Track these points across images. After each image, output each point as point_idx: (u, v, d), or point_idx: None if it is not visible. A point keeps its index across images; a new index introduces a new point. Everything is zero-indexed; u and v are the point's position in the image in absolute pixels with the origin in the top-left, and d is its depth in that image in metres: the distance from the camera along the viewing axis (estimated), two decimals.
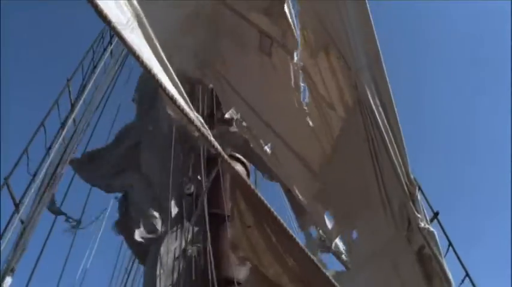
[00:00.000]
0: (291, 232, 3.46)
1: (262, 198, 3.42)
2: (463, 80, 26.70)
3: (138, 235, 5.86)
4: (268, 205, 3.42)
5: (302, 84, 6.58)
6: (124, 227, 6.12)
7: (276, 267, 3.66)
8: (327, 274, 3.49)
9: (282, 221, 3.39)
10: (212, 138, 3.34)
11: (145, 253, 6.20)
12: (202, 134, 3.31)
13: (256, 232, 3.53)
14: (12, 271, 4.44)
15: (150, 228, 5.84)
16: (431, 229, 4.95)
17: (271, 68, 6.57)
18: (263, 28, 6.58)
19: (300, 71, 6.56)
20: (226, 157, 3.38)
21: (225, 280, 4.66)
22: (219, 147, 3.35)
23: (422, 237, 4.83)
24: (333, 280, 3.52)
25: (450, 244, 4.90)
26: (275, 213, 3.40)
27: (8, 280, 4.44)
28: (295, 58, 6.57)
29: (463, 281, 4.72)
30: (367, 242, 5.22)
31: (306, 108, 6.43)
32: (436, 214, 5.15)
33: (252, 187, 3.50)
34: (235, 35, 6.91)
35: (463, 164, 27.09)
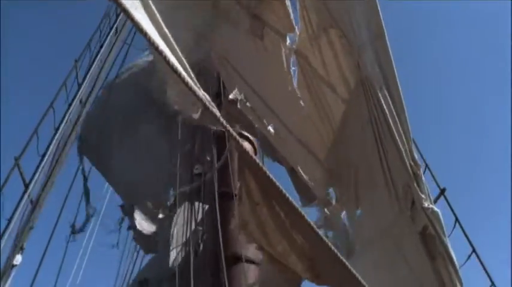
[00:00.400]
0: (300, 209, 3.45)
1: (271, 176, 3.41)
2: (472, 56, 26.50)
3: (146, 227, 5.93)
4: (277, 183, 3.41)
5: (293, 68, 6.56)
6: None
7: (284, 245, 3.66)
8: (336, 251, 3.49)
9: (290, 198, 3.38)
10: (219, 115, 3.31)
11: (152, 244, 6.26)
12: (211, 112, 3.28)
13: (265, 209, 3.52)
14: (21, 248, 4.50)
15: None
16: (436, 209, 4.98)
17: (264, 51, 6.56)
18: (254, 11, 6.55)
19: (294, 55, 6.52)
20: (235, 134, 3.36)
21: (233, 257, 4.69)
22: (227, 125, 3.33)
23: (426, 217, 4.86)
24: (342, 258, 3.53)
25: (457, 220, 4.93)
26: (284, 190, 3.39)
27: (18, 257, 4.52)
28: (288, 41, 6.54)
29: (469, 257, 4.76)
30: (371, 222, 5.24)
31: (298, 92, 6.41)
32: (442, 191, 5.17)
33: (261, 164, 3.49)
34: (229, 17, 6.88)
35: (472, 142, 27.06)
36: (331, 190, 6.10)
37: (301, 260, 3.67)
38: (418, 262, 4.78)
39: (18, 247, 4.42)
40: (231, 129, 3.35)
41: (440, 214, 4.89)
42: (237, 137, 3.38)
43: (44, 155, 5.00)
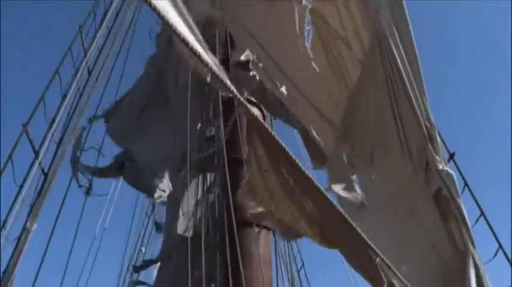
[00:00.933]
0: (309, 174, 3.43)
1: (280, 141, 3.37)
2: (487, 21, 25.57)
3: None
4: (286, 148, 3.38)
5: (308, 27, 6.36)
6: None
7: (293, 211, 3.67)
8: (347, 216, 3.49)
9: (299, 163, 3.35)
10: (228, 81, 3.25)
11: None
12: (217, 77, 3.21)
13: (273, 176, 3.51)
14: (36, 215, 4.60)
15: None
16: (450, 171, 4.92)
17: (275, 11, 6.36)
18: None
19: (309, 14, 6.32)
20: (242, 99, 3.30)
21: (244, 222, 4.75)
22: (234, 89, 3.27)
23: (440, 179, 4.81)
24: (353, 223, 3.53)
25: (466, 184, 4.87)
26: (293, 156, 3.36)
27: (34, 225, 4.64)
28: (303, 1, 6.32)
29: (477, 220, 4.73)
30: (385, 185, 5.21)
31: (311, 53, 6.25)
32: (452, 155, 5.10)
33: (269, 129, 3.45)
34: None
35: (482, 107, 26.56)
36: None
37: (311, 226, 3.69)
38: (431, 223, 4.77)
39: (32, 216, 4.51)
40: (239, 95, 3.30)
41: (454, 176, 4.83)
42: (245, 102, 3.32)
43: (52, 122, 5.01)
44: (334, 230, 3.68)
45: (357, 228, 3.50)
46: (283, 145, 3.39)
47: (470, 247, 4.64)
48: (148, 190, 6.54)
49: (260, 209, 4.06)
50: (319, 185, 3.51)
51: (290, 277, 9.78)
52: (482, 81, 27.04)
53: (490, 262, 4.66)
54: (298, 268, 12.41)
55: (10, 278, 4.32)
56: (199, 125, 5.71)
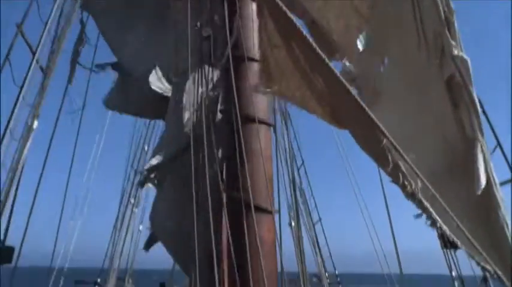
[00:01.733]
0: (321, 53, 3.32)
1: (292, 16, 3.22)
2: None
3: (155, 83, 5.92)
4: (297, 24, 3.24)
5: None
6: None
7: (304, 90, 3.61)
8: (356, 95, 3.44)
9: (311, 40, 3.23)
10: None
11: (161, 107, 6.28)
12: None
13: (284, 51, 3.40)
14: (37, 115, 4.66)
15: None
16: (465, 56, 4.76)
17: None
18: None
19: None
20: None
21: (246, 117, 4.73)
22: None
23: (455, 65, 4.67)
24: (363, 103, 3.49)
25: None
26: (304, 32, 3.23)
27: (35, 123, 4.70)
28: None
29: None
30: (398, 71, 5.08)
31: None
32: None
33: (280, 3, 3.27)
34: None
35: None
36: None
37: (321, 105, 3.65)
38: (441, 110, 4.71)
39: (34, 114, 4.56)
40: None
41: (469, 62, 4.68)
42: None
43: (47, 22, 4.87)
44: (344, 109, 3.65)
45: (366, 108, 3.47)
46: (295, 21, 3.25)
47: (479, 135, 4.64)
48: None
49: (268, 90, 3.99)
50: (330, 64, 3.42)
51: (290, 174, 10.05)
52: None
53: None
54: (299, 166, 12.77)
55: (15, 175, 4.46)
56: (198, 24, 5.45)
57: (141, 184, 6.50)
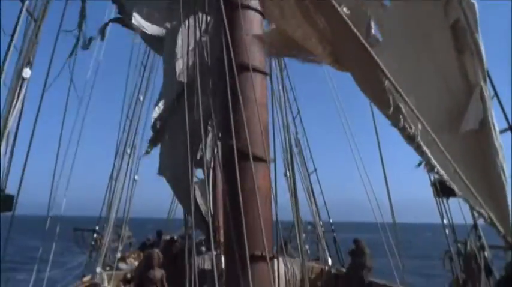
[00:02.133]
0: None
1: None
2: None
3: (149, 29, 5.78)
4: None
5: None
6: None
7: (305, 28, 3.50)
8: (358, 34, 3.33)
9: None
10: None
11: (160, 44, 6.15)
12: None
13: None
14: (29, 63, 4.60)
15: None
16: (473, 0, 4.61)
17: None
18: None
19: None
20: None
21: (240, 65, 4.61)
22: None
23: (461, 9, 4.52)
24: (365, 42, 3.38)
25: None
26: None
27: (27, 71, 4.60)
28: None
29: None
30: (401, 13, 4.92)
31: None
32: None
33: None
34: None
35: None
36: None
37: (322, 44, 3.55)
38: (445, 55, 4.61)
39: (25, 61, 4.44)
40: None
41: (476, 6, 4.53)
42: None
43: None
44: (345, 49, 3.56)
45: (368, 47, 3.38)
46: None
47: (481, 81, 4.55)
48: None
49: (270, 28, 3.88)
50: (335, 3, 3.29)
51: (285, 122, 9.95)
52: None
53: None
54: (294, 116, 12.69)
55: (9, 118, 4.39)
56: None
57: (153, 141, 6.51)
